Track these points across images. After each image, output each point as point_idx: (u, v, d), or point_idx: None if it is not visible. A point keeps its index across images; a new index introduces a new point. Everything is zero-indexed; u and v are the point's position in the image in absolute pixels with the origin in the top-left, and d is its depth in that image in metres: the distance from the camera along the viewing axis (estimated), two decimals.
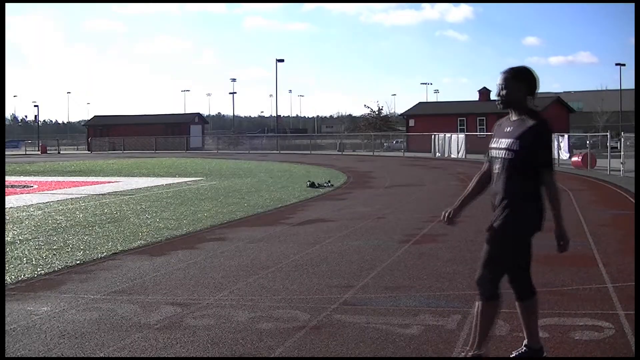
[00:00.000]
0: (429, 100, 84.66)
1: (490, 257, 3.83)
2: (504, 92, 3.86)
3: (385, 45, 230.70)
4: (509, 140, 3.81)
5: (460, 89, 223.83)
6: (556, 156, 27.89)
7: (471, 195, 4.05)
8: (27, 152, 61.65)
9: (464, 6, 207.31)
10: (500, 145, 3.87)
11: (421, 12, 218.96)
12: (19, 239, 9.05)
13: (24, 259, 7.67)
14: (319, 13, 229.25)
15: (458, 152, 37.12)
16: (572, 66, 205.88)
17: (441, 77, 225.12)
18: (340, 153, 46.66)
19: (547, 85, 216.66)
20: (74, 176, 24.31)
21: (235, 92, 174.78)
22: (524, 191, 3.77)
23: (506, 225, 3.77)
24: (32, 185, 19.87)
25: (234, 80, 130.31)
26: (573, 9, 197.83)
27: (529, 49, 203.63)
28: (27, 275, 6.79)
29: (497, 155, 3.87)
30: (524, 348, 4.00)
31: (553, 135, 3.96)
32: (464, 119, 46.53)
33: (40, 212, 12.39)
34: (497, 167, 3.87)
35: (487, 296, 3.85)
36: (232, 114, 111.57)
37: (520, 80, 3.85)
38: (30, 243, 8.74)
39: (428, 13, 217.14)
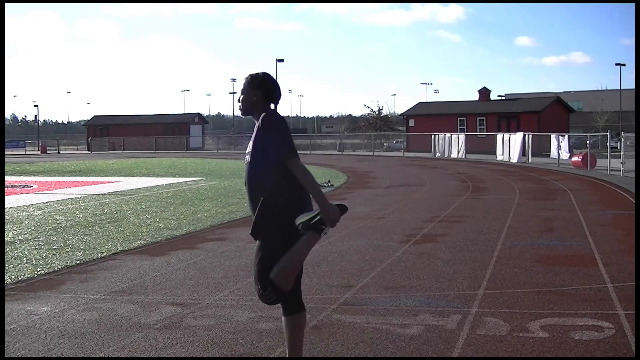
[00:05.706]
0: (429, 100, 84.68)
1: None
2: (241, 97, 3.78)
3: (381, 46, 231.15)
4: (250, 144, 3.71)
5: (457, 89, 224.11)
6: (556, 156, 27.92)
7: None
8: (27, 152, 61.66)
9: (455, 6, 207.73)
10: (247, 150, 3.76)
11: (411, 12, 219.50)
12: (19, 239, 9.05)
13: (24, 259, 7.67)
14: (311, 14, 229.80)
15: (458, 152, 37.11)
16: (566, 66, 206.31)
17: (437, 77, 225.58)
18: (340, 153, 46.67)
19: (542, 85, 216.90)
20: (74, 176, 24.30)
21: (235, 92, 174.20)
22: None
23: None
24: (32, 185, 19.86)
25: (234, 80, 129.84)
26: (566, 9, 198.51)
27: (521, 49, 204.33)
28: (27, 275, 6.79)
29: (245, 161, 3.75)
30: None
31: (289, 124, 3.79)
32: (464, 119, 46.49)
33: (40, 212, 12.39)
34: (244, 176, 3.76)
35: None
36: (232, 114, 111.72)
37: (257, 86, 3.73)
38: (30, 243, 8.74)
39: (418, 13, 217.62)
